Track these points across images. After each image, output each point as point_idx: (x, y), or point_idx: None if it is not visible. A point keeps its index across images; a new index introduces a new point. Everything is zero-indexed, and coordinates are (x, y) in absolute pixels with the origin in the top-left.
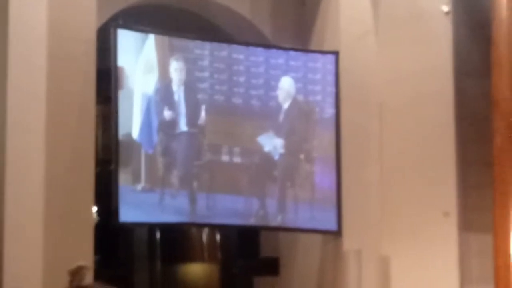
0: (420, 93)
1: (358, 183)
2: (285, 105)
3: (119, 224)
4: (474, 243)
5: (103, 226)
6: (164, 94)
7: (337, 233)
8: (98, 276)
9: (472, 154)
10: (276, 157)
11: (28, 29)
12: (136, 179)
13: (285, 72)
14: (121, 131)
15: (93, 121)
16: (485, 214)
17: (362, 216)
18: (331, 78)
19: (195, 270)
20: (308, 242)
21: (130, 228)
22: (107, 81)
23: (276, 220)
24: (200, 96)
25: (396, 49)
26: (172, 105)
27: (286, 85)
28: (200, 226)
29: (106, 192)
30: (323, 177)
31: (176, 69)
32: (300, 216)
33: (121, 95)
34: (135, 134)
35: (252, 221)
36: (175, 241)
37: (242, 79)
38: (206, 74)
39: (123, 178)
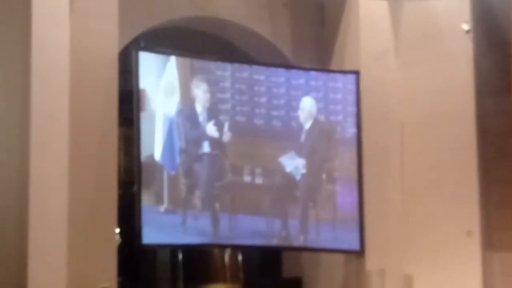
0: (441, 112)
1: (380, 203)
2: (307, 125)
3: (142, 245)
4: (498, 262)
5: (126, 247)
6: (186, 115)
7: (360, 253)
8: None
9: (495, 172)
10: (298, 177)
11: (51, 52)
12: (158, 200)
13: (306, 93)
14: (144, 153)
15: (115, 143)
16: (509, 232)
17: (385, 236)
18: (351, 97)
19: None
20: (330, 262)
21: (153, 249)
22: (129, 103)
23: (298, 241)
24: (221, 117)
25: (417, 67)
26: (194, 127)
27: (307, 105)
28: (223, 247)
29: (129, 214)
30: (345, 196)
31: (197, 91)
32: (322, 236)
33: (143, 117)
34: (158, 155)
35: (274, 242)
36: (197, 262)
37: (263, 100)
38: (228, 95)
39: (146, 200)
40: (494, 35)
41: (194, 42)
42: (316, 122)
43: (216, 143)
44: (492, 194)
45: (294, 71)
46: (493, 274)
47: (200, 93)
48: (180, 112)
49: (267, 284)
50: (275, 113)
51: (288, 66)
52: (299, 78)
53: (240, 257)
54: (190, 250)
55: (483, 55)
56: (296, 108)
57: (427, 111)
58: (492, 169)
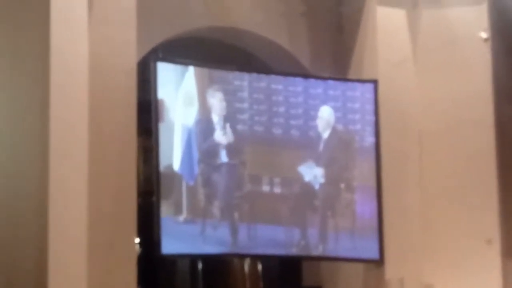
0: (460, 120)
1: (399, 211)
2: (325, 135)
3: (161, 255)
4: None
5: (145, 257)
6: (204, 125)
7: (379, 262)
8: None
9: None
10: (317, 186)
11: (70, 63)
12: (177, 210)
13: (324, 102)
14: (162, 163)
15: (134, 153)
16: None
17: (404, 244)
18: (370, 106)
19: None
20: (350, 271)
21: (172, 259)
22: (147, 113)
23: (317, 250)
24: (240, 127)
25: (435, 76)
26: (212, 137)
27: (325, 115)
28: (242, 256)
29: (148, 224)
30: (364, 205)
31: (216, 101)
32: (341, 245)
33: (162, 128)
34: (176, 165)
35: (293, 251)
36: (217, 272)
37: (281, 109)
38: (246, 105)
39: (165, 210)
40: None
41: (212, 52)
42: (334, 131)
43: (234, 153)
44: (511, 202)
45: (312, 80)
46: None
47: (218, 103)
48: (198, 122)
49: None
50: (293, 122)
51: (306, 75)
52: (317, 87)
53: (259, 267)
54: (209, 260)
55: (501, 63)
56: (314, 118)
57: (446, 119)
58: (511, 177)
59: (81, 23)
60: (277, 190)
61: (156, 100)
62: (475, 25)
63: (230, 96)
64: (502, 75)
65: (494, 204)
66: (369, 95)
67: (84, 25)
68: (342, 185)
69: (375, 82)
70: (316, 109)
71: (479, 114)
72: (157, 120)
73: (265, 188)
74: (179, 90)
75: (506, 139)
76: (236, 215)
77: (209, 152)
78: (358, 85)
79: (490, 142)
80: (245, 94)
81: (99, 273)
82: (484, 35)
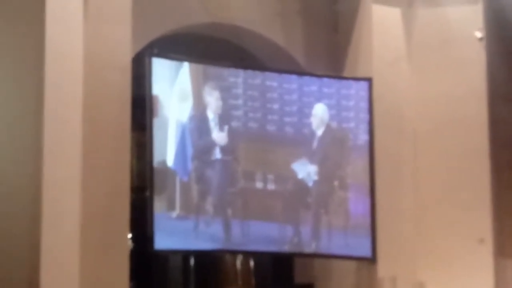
0: (454, 119)
1: (392, 210)
2: (319, 132)
3: (154, 251)
4: (510, 269)
5: (138, 253)
6: (198, 122)
7: (372, 260)
8: None
9: (507, 179)
10: (310, 184)
11: (64, 58)
12: (171, 206)
13: (319, 99)
14: (156, 159)
15: (128, 149)
16: None
17: (397, 243)
18: (364, 104)
19: None
20: (342, 269)
21: (165, 255)
22: (142, 109)
23: (310, 247)
24: (234, 123)
25: (430, 74)
26: (206, 133)
27: (319, 112)
28: (235, 253)
29: (141, 220)
30: (357, 203)
31: (210, 97)
32: (334, 243)
33: (156, 123)
34: (170, 161)
35: (286, 248)
36: (209, 268)
37: (275, 106)
38: (240, 101)
39: (158, 206)
40: (507, 43)
41: (207, 48)
42: (328, 129)
43: (228, 149)
44: (504, 201)
45: (306, 78)
46: (506, 281)
47: (213, 100)
48: (192, 118)
49: None
50: (287, 119)
51: (300, 72)
52: (311, 84)
53: (252, 263)
54: (202, 256)
55: (496, 62)
56: (308, 115)
57: (440, 118)
58: (505, 176)
59: (76, 19)
60: (271, 187)
61: (150, 96)
62: (470, 24)
63: (225, 93)
64: (496, 75)
65: (486, 203)
66: (364, 93)
67: (79, 21)
68: (336, 183)
69: (369, 80)
70: (311, 106)
71: (473, 113)
72: (151, 116)
73: (259, 184)
74: (174, 86)
75: (500, 139)
76: (229, 211)
77: (203, 149)
78: (352, 83)
79: (484, 142)
80: (239, 90)
81: (92, 268)
82: (479, 34)
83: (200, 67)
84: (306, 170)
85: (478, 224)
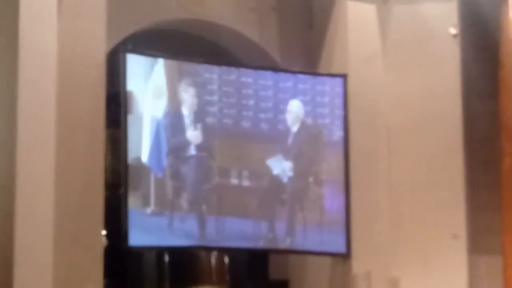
0: (428, 115)
1: (367, 206)
2: (294, 128)
3: (128, 248)
4: (483, 265)
5: (112, 249)
6: (173, 118)
7: (346, 256)
8: None
9: (481, 176)
10: (285, 180)
11: (38, 54)
12: (145, 202)
13: (294, 95)
14: (131, 155)
15: (102, 145)
16: (494, 236)
17: (371, 239)
18: (339, 101)
19: None
20: (317, 265)
21: (139, 251)
22: (116, 105)
23: (285, 243)
24: (209, 119)
25: (404, 71)
26: (181, 129)
27: (294, 108)
28: (209, 249)
29: (115, 216)
30: (332, 200)
31: (185, 93)
32: (309, 239)
33: (131, 120)
34: (145, 158)
35: (261, 244)
36: (184, 264)
37: (251, 102)
38: (215, 97)
39: (133, 202)
40: (481, 39)
41: (182, 44)
42: (303, 125)
43: (203, 145)
44: (478, 198)
45: (282, 74)
46: (479, 277)
47: (188, 96)
48: (167, 114)
49: (253, 286)
50: (262, 116)
51: (276, 69)
52: (286, 81)
53: (226, 260)
54: (176, 252)
55: (470, 59)
56: (283, 111)
57: (414, 114)
58: (479, 173)
59: (50, 15)
60: (246, 183)
61: (125, 92)
62: (444, 21)
63: (200, 89)
64: (471, 71)
65: (461, 200)
66: (339, 89)
67: (53, 17)
68: (311, 179)
69: (344, 76)
70: (286, 102)
71: (447, 109)
72: (125, 112)
73: (234, 181)
74: (149, 82)
75: (474, 135)
76: (204, 207)
77: (178, 145)
78: (327, 79)
79: (458, 138)
80: (214, 87)
81: (65, 265)
82: (453, 31)
83: (174, 63)
84: (281, 166)
85: (452, 220)
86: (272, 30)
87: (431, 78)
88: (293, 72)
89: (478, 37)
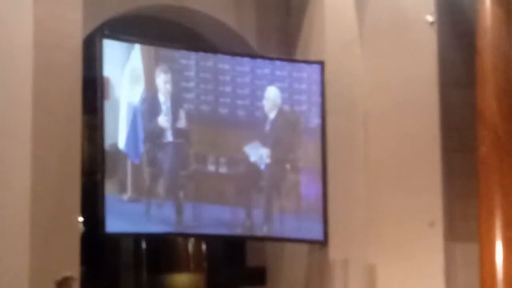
0: (405, 103)
1: (344, 193)
2: (271, 115)
3: (105, 234)
4: (460, 252)
5: (89, 236)
6: (150, 104)
7: (323, 243)
8: (84, 286)
9: (457, 164)
10: (262, 167)
11: (14, 39)
12: (122, 189)
13: (271, 82)
14: (107, 142)
15: (79, 132)
16: (471, 223)
17: (348, 226)
18: (316, 87)
19: (181, 280)
20: (294, 252)
21: (116, 238)
22: (93, 91)
23: (262, 230)
24: (186, 106)
25: (381, 58)
26: (158, 115)
27: (272, 95)
28: (186, 236)
29: (92, 203)
30: (309, 187)
31: (162, 79)
32: (286, 226)
33: (107, 106)
34: (121, 144)
35: (238, 231)
36: (161, 251)
37: (228, 89)
38: (192, 84)
39: (109, 189)
40: (458, 27)
41: (159, 30)
42: (280, 112)
43: (180, 132)
44: (455, 186)
45: (259, 61)
46: (455, 264)
47: (164, 82)
48: (144, 100)
49: (230, 273)
50: (239, 102)
51: (253, 55)
52: (264, 67)
53: (203, 246)
54: (153, 239)
55: (447, 46)
56: (260, 98)
57: (391, 101)
58: (455, 161)
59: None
60: (223, 170)
61: (101, 78)
62: (421, 8)
63: (177, 75)
64: (447, 59)
65: (437, 187)
66: (316, 76)
67: (29, 1)
68: (288, 166)
69: (321, 63)
70: (263, 89)
71: (424, 97)
72: (102, 98)
73: (211, 167)
74: (125, 68)
75: (451, 122)
76: (181, 194)
77: (155, 131)
78: (305, 66)
79: (434, 125)
80: (191, 73)
81: (42, 252)
82: (430, 18)
83: (151, 49)
84: (258, 153)
85: (429, 207)
86: (250, 16)
87: (408, 65)
88: (270, 59)
89: (455, 25)
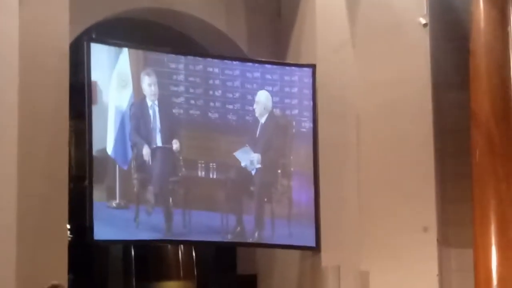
0: (398, 106)
1: (336, 198)
2: (262, 120)
3: (93, 242)
4: (454, 257)
5: (77, 243)
6: (138, 109)
7: (315, 249)
8: None
9: (451, 168)
10: (253, 172)
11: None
12: (110, 195)
13: (262, 86)
14: (95, 147)
15: (66, 137)
16: (465, 228)
17: (341, 232)
18: (308, 91)
19: (171, 287)
20: (286, 259)
21: (105, 245)
22: (80, 96)
23: (253, 237)
24: (175, 110)
25: (374, 61)
26: (147, 120)
27: (262, 99)
28: (176, 243)
29: (80, 209)
30: (301, 192)
31: (150, 84)
32: (277, 232)
33: (95, 110)
34: (110, 149)
35: (229, 238)
36: (150, 258)
37: (218, 93)
38: (182, 88)
39: (98, 195)
40: (451, 29)
41: (148, 33)
42: (271, 116)
43: (169, 137)
44: (448, 190)
45: (249, 64)
46: (450, 269)
47: (153, 86)
48: (132, 105)
49: (221, 280)
50: (230, 106)
51: (243, 59)
52: (254, 71)
53: (194, 254)
54: (142, 246)
55: (440, 48)
56: (251, 102)
57: (384, 105)
58: (449, 165)
59: (12, 3)
60: (213, 175)
61: (89, 82)
62: (414, 10)
63: (166, 79)
64: (441, 61)
65: (431, 192)
66: (307, 79)
67: (15, 4)
68: (279, 171)
69: (313, 66)
70: (254, 93)
71: (417, 99)
72: (90, 103)
73: (201, 173)
74: (113, 72)
75: (444, 126)
76: (170, 200)
77: (144, 136)
78: (296, 69)
79: (428, 129)
80: (181, 77)
81: (29, 260)
82: (423, 20)
83: (140, 52)
84: (249, 158)
85: (422, 212)
86: (239, 19)
87: (401, 67)
88: (261, 62)
89: (448, 27)
